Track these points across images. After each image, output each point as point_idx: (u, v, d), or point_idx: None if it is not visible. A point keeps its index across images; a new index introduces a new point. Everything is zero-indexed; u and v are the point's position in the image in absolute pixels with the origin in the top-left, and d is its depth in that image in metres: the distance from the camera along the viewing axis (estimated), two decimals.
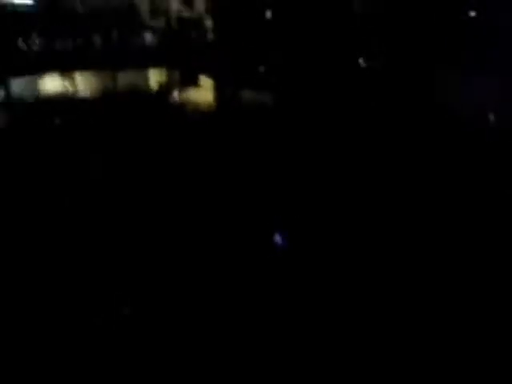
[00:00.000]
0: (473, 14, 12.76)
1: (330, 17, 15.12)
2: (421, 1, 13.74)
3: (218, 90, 17.92)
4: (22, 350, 6.64)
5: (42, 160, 11.84)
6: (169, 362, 6.51)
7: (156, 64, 18.72)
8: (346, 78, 14.79)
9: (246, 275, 7.73)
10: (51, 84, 17.41)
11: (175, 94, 18.52)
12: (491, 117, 12.58)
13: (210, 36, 18.93)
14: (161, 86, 18.66)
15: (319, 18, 15.41)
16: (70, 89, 17.63)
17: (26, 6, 17.64)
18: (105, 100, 16.57)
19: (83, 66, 17.06)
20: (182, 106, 17.41)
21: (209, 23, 19.24)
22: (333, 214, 9.34)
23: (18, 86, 16.39)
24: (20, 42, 15.94)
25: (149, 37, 18.57)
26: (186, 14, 19.12)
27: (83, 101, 16.85)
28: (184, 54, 17.74)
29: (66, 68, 16.89)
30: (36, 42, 15.93)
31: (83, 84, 17.79)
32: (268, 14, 17.43)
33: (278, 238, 8.28)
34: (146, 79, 19.01)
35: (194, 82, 19.04)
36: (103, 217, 9.49)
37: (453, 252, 8.14)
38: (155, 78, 19.05)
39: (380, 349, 6.55)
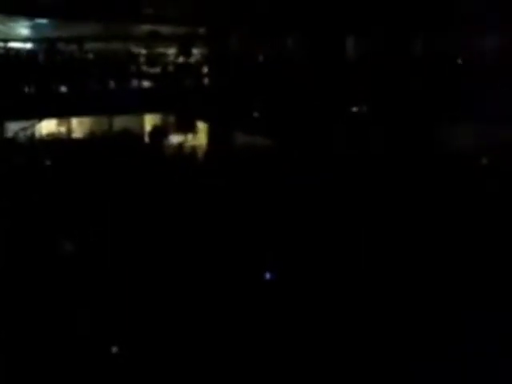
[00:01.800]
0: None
1: (322, 62, 15.39)
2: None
3: (213, 134, 18.09)
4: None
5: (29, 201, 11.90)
6: None
7: (152, 109, 18.91)
8: (338, 123, 14.93)
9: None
10: (46, 128, 17.58)
11: (170, 138, 18.67)
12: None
13: (206, 82, 19.25)
14: (156, 130, 18.80)
15: (312, 64, 15.69)
16: (65, 133, 17.80)
17: (25, 50, 18.05)
18: (98, 144, 16.67)
19: (79, 111, 17.20)
20: (176, 150, 17.52)
21: (205, 70, 19.61)
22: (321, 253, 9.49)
23: (13, 130, 16.51)
24: (17, 86, 16.10)
25: (145, 82, 18.82)
26: (183, 60, 19.47)
27: (77, 144, 16.95)
28: (180, 99, 17.94)
29: (61, 112, 17.03)
30: (33, 86, 16.10)
31: (78, 128, 17.97)
32: (262, 62, 17.81)
33: (267, 274, 9.22)
34: (142, 124, 19.21)
35: (190, 127, 19.23)
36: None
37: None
38: (151, 122, 19.24)
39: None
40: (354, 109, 15.16)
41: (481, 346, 6.82)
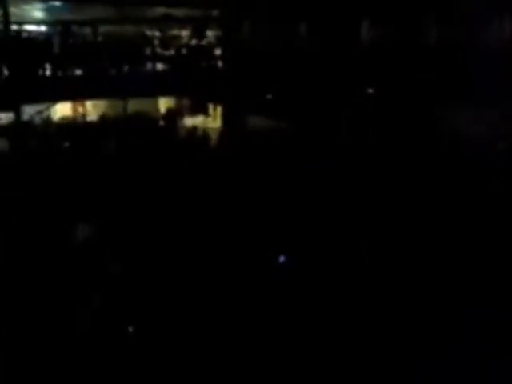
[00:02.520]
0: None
1: (337, 45, 15.24)
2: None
3: (226, 116, 18.07)
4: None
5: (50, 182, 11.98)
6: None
7: (166, 92, 18.90)
8: (350, 107, 14.82)
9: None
10: (61, 111, 17.68)
11: (184, 121, 18.70)
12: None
13: (220, 65, 19.17)
14: (170, 113, 18.83)
15: (325, 49, 15.55)
16: (80, 116, 17.89)
17: (40, 33, 18.10)
18: (113, 127, 16.74)
19: (94, 94, 17.24)
20: (190, 133, 17.56)
21: (218, 52, 19.53)
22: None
23: (29, 113, 16.62)
24: (32, 70, 16.17)
25: (160, 65, 18.79)
26: (197, 43, 19.40)
27: (92, 127, 17.04)
28: (194, 82, 17.90)
29: (76, 95, 17.09)
30: (48, 69, 16.16)
31: (93, 111, 18.05)
32: (276, 45, 17.66)
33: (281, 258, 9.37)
34: (156, 107, 19.23)
35: (204, 110, 19.24)
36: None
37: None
38: (165, 105, 19.26)
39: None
40: (367, 92, 15.03)
41: (480, 345, 6.83)
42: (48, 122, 17.11)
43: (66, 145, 15.26)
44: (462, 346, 6.83)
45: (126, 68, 17.45)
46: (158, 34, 19.54)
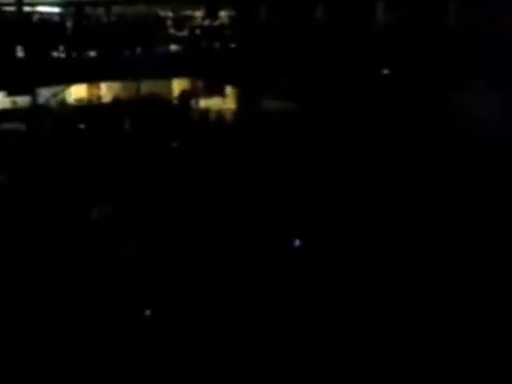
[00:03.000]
0: None
1: (353, 26, 15.04)
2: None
3: (241, 98, 17.96)
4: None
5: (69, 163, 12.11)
6: None
7: (180, 73, 18.83)
8: (368, 87, 14.65)
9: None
10: (76, 93, 17.70)
11: (198, 102, 18.63)
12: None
13: (234, 45, 19.00)
14: (184, 95, 18.76)
15: (341, 30, 15.35)
16: (94, 98, 17.90)
17: (53, 14, 18.02)
18: (127, 108, 16.76)
19: (108, 76, 17.23)
20: (204, 115, 17.52)
21: (233, 33, 19.34)
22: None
23: (45, 95, 16.68)
24: (46, 52, 16.18)
25: (173, 46, 18.70)
26: (210, 23, 19.24)
27: (106, 109, 17.07)
28: (207, 63, 17.80)
29: (90, 78, 17.10)
30: (62, 51, 16.16)
31: (107, 93, 18.04)
32: (291, 24, 17.44)
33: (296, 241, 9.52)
34: (170, 88, 19.16)
35: (218, 91, 19.13)
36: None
37: None
38: (179, 87, 19.18)
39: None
40: (383, 74, 14.85)
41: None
42: (63, 104, 17.15)
43: (82, 126, 15.34)
44: (466, 342, 6.85)
45: (139, 49, 17.41)
46: (171, 14, 19.38)
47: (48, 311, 7.66)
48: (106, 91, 18.19)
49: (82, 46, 16.40)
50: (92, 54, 16.75)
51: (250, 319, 7.58)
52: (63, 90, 17.15)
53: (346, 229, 9.65)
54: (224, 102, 18.86)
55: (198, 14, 19.85)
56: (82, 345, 7.07)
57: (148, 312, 7.87)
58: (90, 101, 17.77)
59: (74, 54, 16.34)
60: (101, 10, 18.69)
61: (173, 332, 7.43)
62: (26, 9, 17.11)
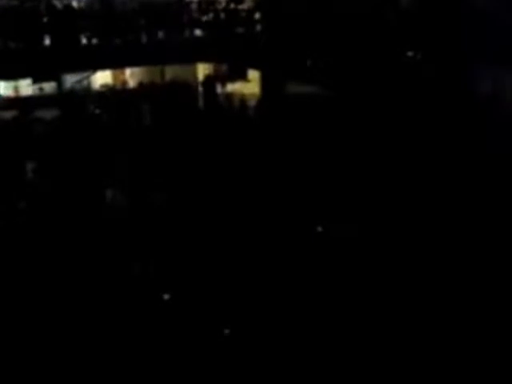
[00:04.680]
0: None
1: (377, 11, 14.75)
2: None
3: (265, 83, 17.80)
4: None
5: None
6: None
7: (204, 58, 18.76)
8: (394, 71, 14.36)
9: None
10: (101, 79, 17.85)
11: (223, 87, 18.57)
12: None
13: (259, 29, 18.79)
14: (208, 79, 18.70)
15: (366, 13, 15.05)
16: (119, 84, 18.03)
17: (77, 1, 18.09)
18: (152, 93, 16.83)
19: (132, 62, 17.28)
20: (229, 99, 17.48)
21: (257, 16, 19.11)
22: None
23: (70, 81, 16.86)
24: (72, 38, 16.27)
25: (197, 31, 18.60)
26: (235, 7, 19.04)
27: (130, 94, 17.18)
28: (232, 47, 17.67)
29: (115, 63, 17.17)
30: (87, 37, 16.23)
31: (131, 79, 18.13)
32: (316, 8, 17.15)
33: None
34: (195, 73, 19.14)
35: (242, 76, 19.02)
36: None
37: None
38: (203, 72, 19.14)
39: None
40: (408, 56, 14.51)
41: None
42: (89, 90, 17.31)
43: (106, 112, 15.48)
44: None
45: (163, 34, 17.36)
46: None
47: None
48: (130, 77, 18.28)
49: (107, 31, 16.42)
50: (117, 40, 16.77)
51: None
52: (89, 76, 17.29)
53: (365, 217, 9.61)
54: (249, 86, 18.75)
55: None
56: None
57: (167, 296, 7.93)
58: (114, 86, 17.89)
59: (99, 40, 16.38)
60: None
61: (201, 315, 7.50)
62: None
